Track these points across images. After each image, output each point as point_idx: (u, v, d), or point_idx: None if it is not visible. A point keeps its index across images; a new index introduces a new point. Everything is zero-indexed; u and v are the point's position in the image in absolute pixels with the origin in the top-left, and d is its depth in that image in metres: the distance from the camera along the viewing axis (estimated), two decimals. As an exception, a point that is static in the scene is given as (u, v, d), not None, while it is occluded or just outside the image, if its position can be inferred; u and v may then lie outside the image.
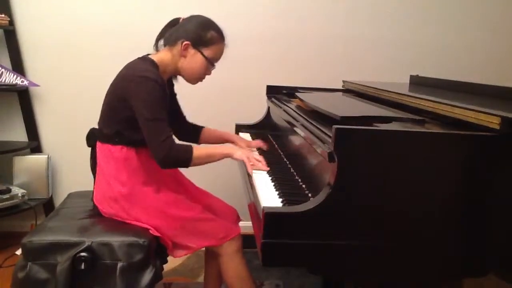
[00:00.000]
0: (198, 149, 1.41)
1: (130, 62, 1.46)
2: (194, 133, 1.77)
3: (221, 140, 1.80)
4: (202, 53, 1.47)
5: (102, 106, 1.48)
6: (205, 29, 1.47)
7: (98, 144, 1.50)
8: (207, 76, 1.56)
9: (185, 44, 1.46)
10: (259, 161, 1.48)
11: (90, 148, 1.55)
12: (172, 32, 1.50)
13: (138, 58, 1.48)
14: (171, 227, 1.44)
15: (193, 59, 1.48)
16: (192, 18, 1.51)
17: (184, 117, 1.76)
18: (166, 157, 1.36)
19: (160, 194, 1.47)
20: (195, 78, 1.53)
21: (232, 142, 1.79)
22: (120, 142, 1.44)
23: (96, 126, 1.52)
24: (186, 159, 1.39)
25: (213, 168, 1.64)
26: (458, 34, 2.55)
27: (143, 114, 1.35)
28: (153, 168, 1.48)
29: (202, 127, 1.78)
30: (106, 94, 1.47)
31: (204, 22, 1.49)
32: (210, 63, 1.50)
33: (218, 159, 1.49)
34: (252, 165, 1.45)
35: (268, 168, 1.46)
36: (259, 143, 1.74)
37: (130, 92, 1.37)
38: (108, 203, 1.47)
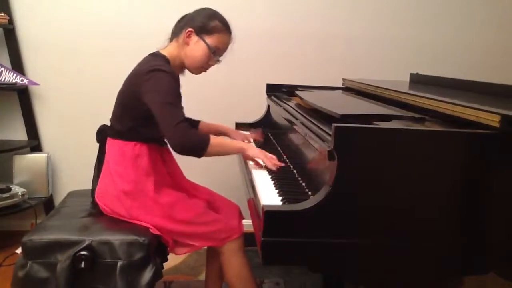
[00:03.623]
0: (214, 138, 1.37)
1: (142, 59, 1.47)
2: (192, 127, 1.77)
3: (217, 132, 1.82)
4: (204, 41, 1.47)
5: (115, 104, 1.49)
6: (209, 18, 1.48)
7: (109, 140, 1.49)
8: (207, 74, 1.56)
9: (188, 31, 1.47)
10: (273, 158, 1.43)
11: (90, 147, 1.55)
12: (180, 25, 1.52)
13: (149, 54, 1.49)
14: (173, 227, 1.44)
15: (196, 46, 1.48)
16: (199, 9, 1.52)
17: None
18: (183, 140, 1.31)
19: (164, 195, 1.46)
20: (196, 67, 1.52)
21: (228, 135, 1.80)
22: (133, 138, 1.44)
23: (97, 124, 1.52)
24: (202, 145, 1.34)
25: (216, 164, 1.63)
26: (458, 32, 2.55)
27: (155, 101, 1.33)
28: (159, 168, 1.49)
29: (198, 121, 1.79)
30: (119, 93, 1.48)
31: (209, 12, 1.51)
32: (212, 51, 1.48)
33: (232, 153, 1.48)
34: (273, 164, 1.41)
35: (283, 164, 1.42)
36: (255, 136, 1.75)
37: (142, 86, 1.36)
38: (110, 200, 1.46)
